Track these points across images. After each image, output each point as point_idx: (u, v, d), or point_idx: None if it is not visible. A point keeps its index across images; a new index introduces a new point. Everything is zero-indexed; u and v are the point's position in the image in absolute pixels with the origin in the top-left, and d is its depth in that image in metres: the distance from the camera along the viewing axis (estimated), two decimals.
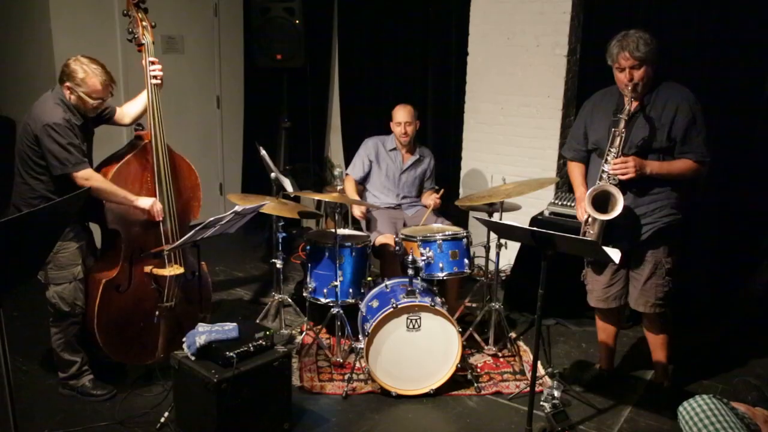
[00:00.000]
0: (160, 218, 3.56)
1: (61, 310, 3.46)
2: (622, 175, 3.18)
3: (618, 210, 3.15)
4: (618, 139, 3.18)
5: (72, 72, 3.29)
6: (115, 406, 3.56)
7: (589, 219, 3.34)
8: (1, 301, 1.84)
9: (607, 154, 3.23)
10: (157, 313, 3.68)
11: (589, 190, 3.26)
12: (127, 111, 3.73)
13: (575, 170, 3.63)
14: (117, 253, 3.60)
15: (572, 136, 3.64)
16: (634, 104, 3.21)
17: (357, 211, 4.64)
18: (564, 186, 5.11)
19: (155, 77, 3.59)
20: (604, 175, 3.24)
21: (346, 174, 4.89)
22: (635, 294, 3.47)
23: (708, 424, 2.13)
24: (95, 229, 3.72)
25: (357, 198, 4.71)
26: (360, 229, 4.60)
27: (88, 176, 3.32)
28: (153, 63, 3.59)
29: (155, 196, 3.58)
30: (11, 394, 1.87)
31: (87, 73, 3.29)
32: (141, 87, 3.63)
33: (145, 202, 3.50)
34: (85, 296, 3.52)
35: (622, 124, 3.17)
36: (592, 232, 3.33)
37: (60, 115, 3.26)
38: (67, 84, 3.31)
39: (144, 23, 3.60)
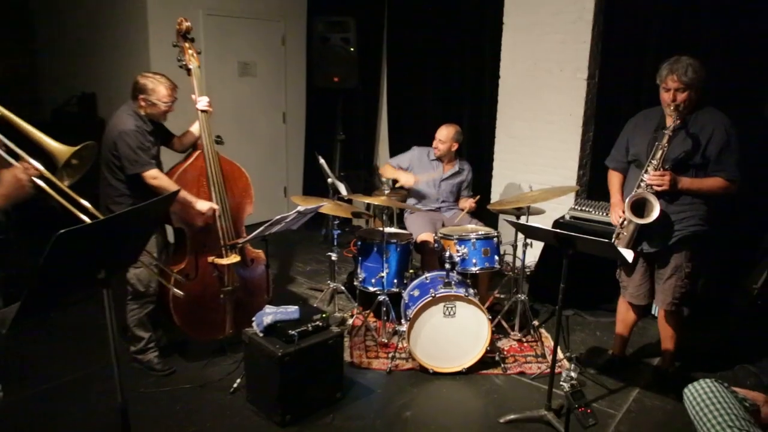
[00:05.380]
0: (210, 221, 3.58)
1: (137, 290, 3.52)
2: (658, 186, 3.12)
3: (654, 216, 3.10)
4: (660, 152, 3.11)
5: (143, 86, 3.37)
6: (197, 372, 3.64)
7: (624, 222, 3.29)
8: (110, 281, 1.91)
9: (648, 165, 3.17)
10: (221, 295, 3.74)
11: (629, 197, 3.20)
12: (180, 141, 3.75)
13: (614, 179, 3.56)
14: (184, 248, 3.66)
15: (616, 148, 3.56)
16: (677, 122, 3.12)
17: (411, 180, 4.60)
18: (583, 193, 5.05)
19: (204, 111, 3.61)
20: (642, 184, 3.18)
21: (387, 163, 4.87)
22: (658, 291, 3.41)
23: (710, 404, 2.09)
24: (168, 229, 3.79)
25: (398, 173, 4.66)
26: (404, 228, 4.61)
27: (155, 176, 3.38)
28: (201, 98, 3.61)
29: (211, 198, 3.61)
30: (117, 359, 1.94)
31: (155, 83, 3.37)
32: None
33: (203, 205, 3.51)
34: (162, 284, 3.56)
35: (665, 139, 3.10)
36: (625, 234, 3.28)
37: (132, 123, 3.34)
38: (141, 96, 3.38)
39: (190, 51, 3.64)
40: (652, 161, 3.15)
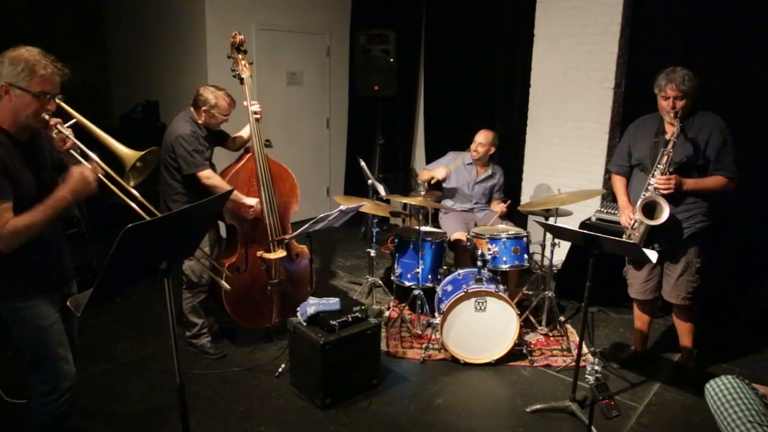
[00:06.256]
0: (259, 216, 3.63)
1: (191, 280, 3.59)
2: (665, 190, 3.09)
3: (664, 217, 3.07)
4: (666, 157, 3.09)
5: (206, 99, 3.43)
6: (246, 357, 3.71)
7: (635, 224, 3.25)
8: (170, 272, 1.96)
9: (654, 170, 3.14)
10: (269, 287, 3.79)
11: (640, 200, 3.17)
12: (233, 141, 3.81)
13: (618, 182, 3.53)
14: (235, 243, 3.72)
15: (617, 154, 3.54)
16: (678, 127, 3.10)
17: (430, 174, 4.58)
18: (608, 197, 4.96)
19: (255, 114, 3.65)
20: (650, 188, 3.15)
21: (424, 168, 4.85)
22: (668, 288, 3.35)
23: (731, 399, 2.05)
24: (221, 226, 3.86)
25: (433, 171, 4.64)
26: (438, 227, 4.61)
27: (208, 176, 3.44)
28: (253, 104, 3.64)
29: (260, 197, 3.65)
30: (176, 342, 1.98)
31: (218, 98, 3.44)
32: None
33: (250, 200, 3.58)
34: (214, 279, 3.61)
35: (670, 145, 3.08)
36: (636, 235, 3.24)
37: (188, 128, 3.42)
38: (204, 108, 3.44)
39: (243, 62, 3.68)
40: (659, 166, 3.13)
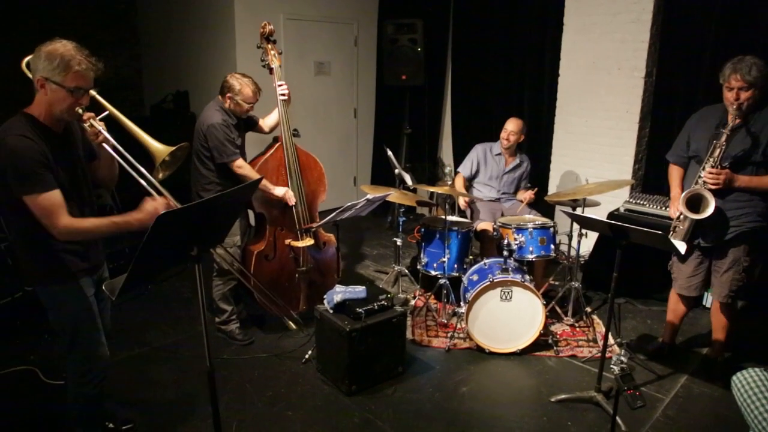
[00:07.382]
0: (292, 203, 3.66)
1: (222, 268, 3.64)
2: (713, 184, 3.00)
3: (709, 211, 2.97)
4: (718, 150, 2.98)
5: (231, 86, 3.46)
6: (273, 343, 3.77)
7: (681, 216, 3.17)
8: (200, 257, 2.00)
9: (706, 162, 3.04)
10: (296, 275, 3.83)
11: (685, 192, 3.09)
12: (266, 122, 3.84)
13: (674, 173, 3.42)
14: (264, 231, 3.76)
15: (677, 143, 3.41)
16: (737, 121, 2.98)
17: (462, 201, 4.60)
18: (638, 187, 4.89)
19: (282, 95, 3.67)
20: (700, 180, 3.06)
21: (457, 172, 4.87)
22: (715, 283, 3.28)
23: (758, 392, 2.01)
24: (250, 214, 3.91)
25: (464, 192, 4.68)
26: (465, 217, 4.60)
27: (240, 165, 3.48)
28: (281, 85, 3.66)
29: (288, 186, 3.69)
30: (206, 326, 2.02)
31: (242, 85, 3.45)
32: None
33: (279, 190, 3.61)
34: (243, 265, 3.68)
35: (723, 138, 2.97)
36: (682, 227, 3.17)
37: (219, 117, 3.44)
38: (228, 95, 3.47)
39: (273, 52, 3.69)
40: (710, 159, 3.02)
